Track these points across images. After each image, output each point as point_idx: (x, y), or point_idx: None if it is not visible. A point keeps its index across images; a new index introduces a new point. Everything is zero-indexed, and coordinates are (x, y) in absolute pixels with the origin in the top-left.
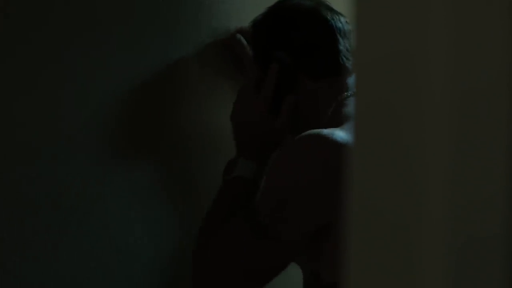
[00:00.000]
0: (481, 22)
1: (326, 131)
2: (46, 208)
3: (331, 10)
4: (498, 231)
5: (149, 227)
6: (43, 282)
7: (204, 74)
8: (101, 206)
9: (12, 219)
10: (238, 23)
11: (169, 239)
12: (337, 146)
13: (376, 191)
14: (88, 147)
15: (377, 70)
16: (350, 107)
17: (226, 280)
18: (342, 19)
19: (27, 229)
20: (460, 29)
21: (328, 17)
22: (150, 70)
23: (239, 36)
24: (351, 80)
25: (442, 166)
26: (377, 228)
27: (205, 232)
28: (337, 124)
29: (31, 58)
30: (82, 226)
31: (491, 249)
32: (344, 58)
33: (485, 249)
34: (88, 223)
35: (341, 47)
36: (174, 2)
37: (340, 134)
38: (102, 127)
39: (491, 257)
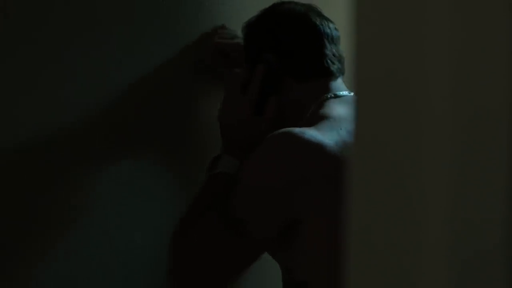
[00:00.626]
0: (482, 24)
1: (297, 130)
2: (46, 208)
3: (321, 16)
4: (499, 238)
5: (149, 227)
6: (43, 282)
7: (203, 74)
8: (101, 206)
9: (12, 219)
10: (238, 24)
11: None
12: (306, 144)
13: (376, 197)
14: (88, 147)
15: (377, 72)
16: (327, 108)
17: (199, 271)
18: (330, 25)
19: (27, 229)
20: (461, 30)
21: (317, 23)
22: (150, 70)
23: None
24: (334, 83)
25: (443, 171)
26: (377, 233)
27: (183, 224)
28: (311, 124)
29: (31, 58)
30: (82, 226)
31: (493, 256)
32: (330, 62)
33: (487, 254)
34: (88, 223)
35: (327, 52)
36: (174, 2)
37: (311, 132)
38: (102, 127)
39: (493, 263)
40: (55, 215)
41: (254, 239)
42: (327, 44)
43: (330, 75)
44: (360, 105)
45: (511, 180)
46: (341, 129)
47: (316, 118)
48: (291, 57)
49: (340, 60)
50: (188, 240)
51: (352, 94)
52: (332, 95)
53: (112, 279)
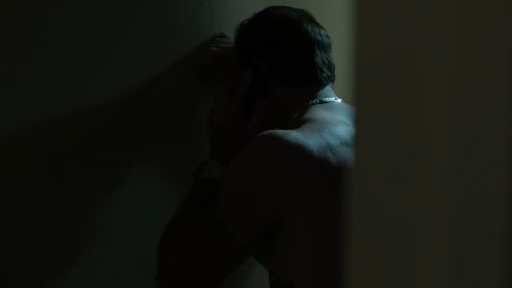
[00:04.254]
0: (482, 21)
1: (280, 131)
2: (46, 208)
3: (313, 22)
4: (498, 231)
5: (149, 228)
6: (43, 283)
7: (203, 79)
8: (102, 207)
9: (12, 220)
10: None
11: None
12: (289, 145)
13: (377, 192)
14: (88, 149)
15: (377, 72)
16: (311, 112)
17: (187, 274)
18: (322, 32)
19: (27, 230)
20: (461, 29)
21: (309, 30)
22: (149, 71)
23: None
24: (322, 91)
25: (443, 166)
26: (378, 229)
27: (169, 229)
28: (295, 127)
29: (31, 59)
30: (81, 227)
31: (491, 248)
32: (318, 70)
33: (485, 249)
34: (87, 224)
35: (317, 59)
36: (175, 4)
37: (293, 134)
38: (103, 127)
39: (491, 256)
40: (54, 215)
41: (238, 241)
42: (318, 52)
43: (318, 83)
44: (359, 108)
45: (511, 182)
46: (324, 131)
47: (300, 121)
48: (280, 63)
49: (330, 67)
50: (174, 244)
51: (339, 100)
52: (318, 101)
53: (111, 279)
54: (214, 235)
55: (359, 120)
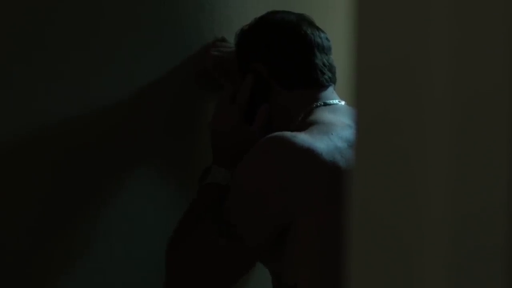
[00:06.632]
0: (482, 25)
1: (288, 134)
2: (46, 209)
3: (312, 25)
4: (499, 237)
5: (150, 229)
6: (43, 283)
7: (204, 81)
8: (102, 208)
9: (12, 220)
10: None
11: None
12: (297, 148)
13: (377, 199)
14: (89, 148)
15: (377, 76)
16: (316, 115)
17: (196, 280)
18: (322, 34)
19: (28, 230)
20: (461, 32)
21: (308, 32)
22: (150, 74)
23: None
24: (324, 93)
25: (443, 172)
26: (378, 236)
27: (176, 235)
28: (301, 129)
29: (31, 59)
30: (81, 228)
31: (492, 253)
32: (319, 72)
33: (486, 254)
34: (88, 225)
35: (317, 61)
36: (175, 5)
37: (302, 136)
38: (103, 128)
39: (492, 262)
40: (55, 216)
41: (246, 244)
42: (318, 54)
43: (319, 85)
44: (361, 106)
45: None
46: (332, 134)
47: (306, 124)
48: (280, 66)
49: (331, 69)
50: (182, 249)
51: (342, 103)
52: (322, 103)
53: (111, 281)
54: (222, 238)
55: (360, 124)
